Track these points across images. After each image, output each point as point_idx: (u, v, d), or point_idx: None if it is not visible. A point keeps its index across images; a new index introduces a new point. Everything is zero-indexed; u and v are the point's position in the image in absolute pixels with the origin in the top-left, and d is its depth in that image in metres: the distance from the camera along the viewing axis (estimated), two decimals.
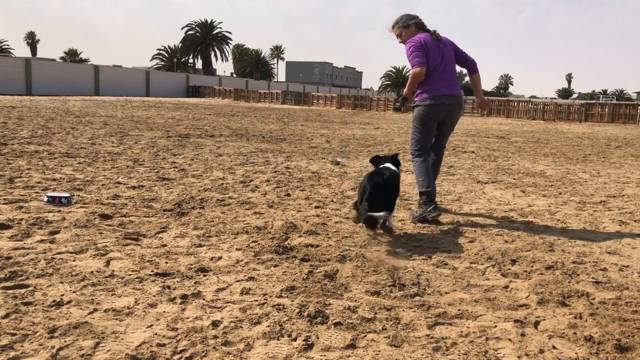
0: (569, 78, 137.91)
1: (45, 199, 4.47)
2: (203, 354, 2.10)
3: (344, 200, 5.24)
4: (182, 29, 76.24)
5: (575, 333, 2.41)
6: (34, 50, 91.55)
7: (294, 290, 2.78)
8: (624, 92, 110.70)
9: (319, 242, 3.69)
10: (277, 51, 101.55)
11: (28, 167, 6.20)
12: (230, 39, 77.20)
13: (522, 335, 2.38)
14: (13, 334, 2.16)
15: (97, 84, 39.26)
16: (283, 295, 2.72)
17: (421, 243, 3.83)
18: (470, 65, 4.78)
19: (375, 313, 2.55)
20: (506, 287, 3.00)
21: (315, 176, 6.67)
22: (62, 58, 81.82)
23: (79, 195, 4.85)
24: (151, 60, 75.20)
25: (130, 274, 2.92)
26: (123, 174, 6.11)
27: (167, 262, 3.15)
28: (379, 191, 3.75)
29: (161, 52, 75.28)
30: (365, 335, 2.31)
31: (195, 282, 2.86)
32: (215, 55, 74.58)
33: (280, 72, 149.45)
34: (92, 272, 2.91)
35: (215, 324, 2.35)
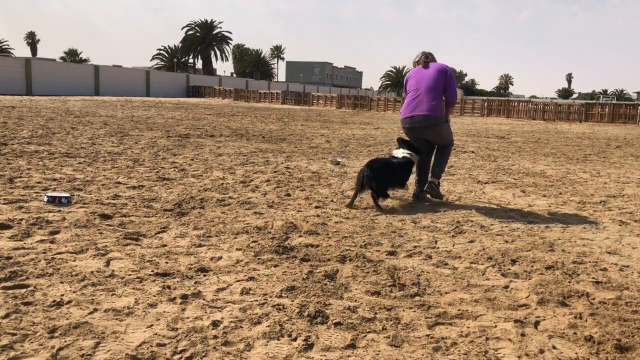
0: (569, 78, 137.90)
1: (45, 199, 4.47)
2: (203, 354, 2.10)
3: (344, 200, 5.24)
4: (182, 29, 76.30)
5: (575, 333, 2.41)
6: (34, 50, 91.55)
7: (294, 290, 2.78)
8: (624, 92, 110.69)
9: (319, 242, 3.69)
10: (277, 51, 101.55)
11: (28, 167, 6.20)
12: (230, 39, 77.10)
13: (522, 335, 2.38)
14: (13, 334, 2.16)
15: (97, 84, 39.26)
16: (283, 295, 2.72)
17: (421, 243, 3.83)
18: (447, 101, 5.29)
19: (375, 313, 2.55)
20: (506, 287, 3.00)
21: (315, 176, 6.67)
22: (62, 58, 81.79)
23: (79, 195, 4.85)
24: (151, 60, 75.19)
25: (130, 274, 2.92)
26: (123, 174, 6.11)
27: (167, 262, 3.15)
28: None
29: (161, 52, 75.27)
30: (365, 335, 2.31)
31: (195, 282, 2.86)
32: (215, 55, 74.58)
33: (280, 72, 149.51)
34: (92, 272, 2.91)
35: (215, 324, 2.35)
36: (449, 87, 5.19)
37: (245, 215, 4.43)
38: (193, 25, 72.59)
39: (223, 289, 2.78)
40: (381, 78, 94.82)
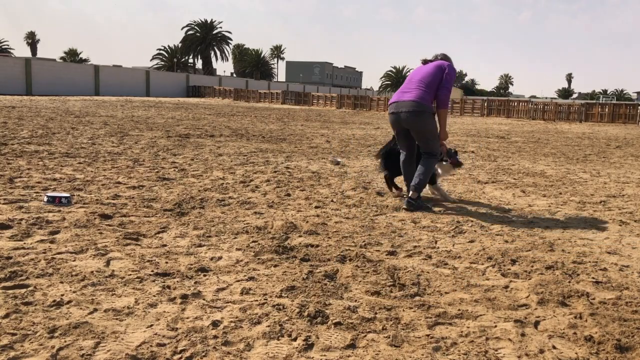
0: (569, 78, 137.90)
1: (45, 199, 4.48)
2: (203, 354, 2.10)
3: (344, 200, 5.24)
4: (182, 29, 76.38)
5: (575, 333, 2.41)
6: (34, 50, 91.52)
7: (294, 290, 2.78)
8: (624, 92, 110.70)
9: (319, 242, 3.69)
10: (277, 51, 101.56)
11: (28, 167, 6.20)
12: (230, 39, 77.22)
13: (522, 335, 2.38)
14: (13, 334, 2.16)
15: (97, 84, 39.26)
16: (283, 295, 2.72)
17: (421, 243, 3.84)
18: (437, 99, 4.95)
19: (375, 313, 2.55)
20: (506, 287, 3.00)
21: (315, 176, 6.67)
22: (62, 58, 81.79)
23: (79, 195, 4.85)
24: (151, 60, 75.21)
25: (130, 274, 2.92)
26: (123, 174, 6.11)
27: (167, 262, 3.15)
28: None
29: (161, 52, 75.27)
30: (365, 335, 2.31)
31: (195, 282, 2.86)
32: (215, 55, 74.60)
33: (280, 72, 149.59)
34: (92, 272, 2.91)
35: (215, 324, 2.35)
36: (444, 83, 4.87)
37: (245, 215, 4.43)
38: (193, 25, 72.61)
39: (223, 289, 2.78)
40: (381, 78, 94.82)
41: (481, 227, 4.38)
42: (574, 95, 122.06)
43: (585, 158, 10.31)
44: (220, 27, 73.83)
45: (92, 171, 6.19)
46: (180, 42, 72.92)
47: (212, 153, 8.45)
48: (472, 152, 10.72)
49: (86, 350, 2.07)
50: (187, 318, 2.40)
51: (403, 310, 2.59)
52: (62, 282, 2.75)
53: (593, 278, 3.20)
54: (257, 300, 2.63)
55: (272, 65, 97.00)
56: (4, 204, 4.37)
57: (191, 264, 3.12)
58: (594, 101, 39.63)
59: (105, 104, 23.57)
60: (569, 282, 3.11)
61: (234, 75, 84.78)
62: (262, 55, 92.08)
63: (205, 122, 15.65)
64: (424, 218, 4.63)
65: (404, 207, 4.89)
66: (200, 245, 3.53)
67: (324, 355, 2.13)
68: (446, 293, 2.87)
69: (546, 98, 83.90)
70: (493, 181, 6.90)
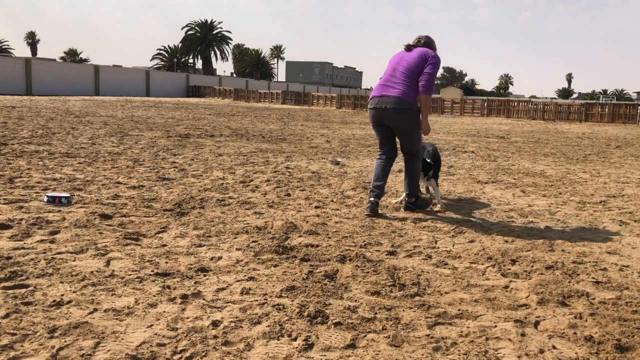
0: (569, 78, 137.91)
1: (45, 199, 4.47)
2: (203, 354, 2.10)
3: (344, 200, 5.24)
4: (182, 29, 76.28)
5: (575, 333, 2.41)
6: (34, 50, 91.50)
7: (294, 290, 2.78)
8: (624, 92, 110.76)
9: (319, 242, 3.69)
10: (277, 51, 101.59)
11: (28, 167, 6.20)
12: (230, 39, 77.18)
13: (522, 335, 2.38)
14: (13, 334, 2.16)
15: (97, 84, 39.26)
16: (283, 295, 2.72)
17: (421, 243, 3.84)
18: (419, 84, 4.53)
19: (375, 313, 2.55)
20: (506, 287, 3.00)
21: (315, 176, 6.67)
22: (62, 58, 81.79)
23: (79, 195, 4.85)
24: (151, 60, 75.23)
25: (130, 274, 2.92)
26: (123, 174, 6.11)
27: (167, 262, 3.15)
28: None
29: (161, 52, 75.29)
30: (365, 335, 2.31)
31: (195, 282, 2.86)
32: (215, 55, 74.63)
33: (280, 72, 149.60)
34: (92, 272, 2.91)
35: (215, 324, 2.35)
36: (426, 69, 4.48)
37: (245, 215, 4.43)
38: (193, 25, 72.64)
39: (223, 289, 2.78)
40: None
41: (481, 227, 4.38)
42: (574, 95, 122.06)
43: (585, 158, 10.31)
44: (220, 27, 73.91)
45: (92, 171, 6.19)
46: (180, 42, 72.99)
47: (212, 153, 8.46)
48: (472, 152, 10.72)
49: (86, 350, 2.07)
50: (187, 318, 2.40)
51: (403, 310, 2.59)
52: (62, 282, 2.75)
53: (593, 278, 3.20)
54: (257, 300, 2.63)
55: (272, 65, 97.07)
56: (4, 204, 4.37)
57: (191, 264, 3.12)
58: (594, 101, 39.64)
59: (105, 104, 23.57)
60: (569, 282, 3.11)
61: (234, 75, 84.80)
62: (262, 55, 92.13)
63: (205, 122, 15.65)
64: (424, 218, 4.63)
65: (409, 208, 4.86)
66: (200, 245, 3.53)
67: (324, 355, 2.13)
68: (446, 293, 2.87)
69: (546, 98, 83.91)
70: (493, 181, 6.90)
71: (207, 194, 5.17)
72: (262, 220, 4.23)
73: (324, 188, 5.88)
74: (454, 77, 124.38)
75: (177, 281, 2.86)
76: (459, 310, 2.62)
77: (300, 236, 3.84)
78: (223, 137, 11.18)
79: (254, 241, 3.65)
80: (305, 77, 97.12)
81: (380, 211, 4.77)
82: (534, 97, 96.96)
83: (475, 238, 4.03)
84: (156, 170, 6.44)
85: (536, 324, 2.52)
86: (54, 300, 2.51)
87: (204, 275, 2.97)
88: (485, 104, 32.75)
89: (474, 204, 5.35)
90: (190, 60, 75.94)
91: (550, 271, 3.29)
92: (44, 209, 4.27)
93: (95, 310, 2.44)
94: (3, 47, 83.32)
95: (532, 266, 3.38)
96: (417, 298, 2.77)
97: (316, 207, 4.84)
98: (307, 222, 4.23)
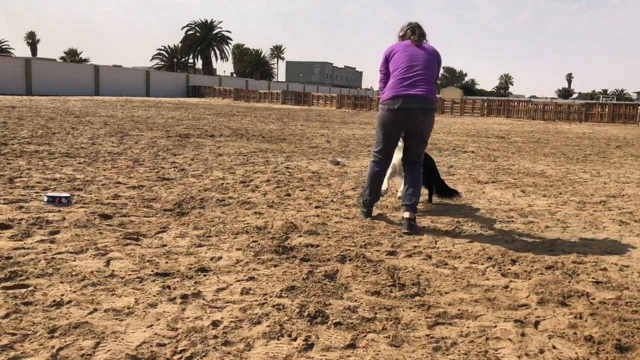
0: (569, 78, 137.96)
1: (45, 199, 4.47)
2: (203, 354, 2.10)
3: (344, 200, 5.24)
4: (182, 29, 76.22)
5: (575, 333, 2.41)
6: (34, 50, 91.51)
7: (294, 290, 2.78)
8: (624, 92, 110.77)
9: (319, 242, 3.69)
10: (277, 51, 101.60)
11: (28, 167, 6.20)
12: (230, 39, 77.20)
13: (522, 335, 2.38)
14: (13, 334, 2.16)
15: (97, 84, 39.25)
16: (283, 295, 2.72)
17: (421, 243, 3.83)
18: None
19: (375, 313, 2.55)
20: (506, 287, 3.00)
21: (315, 176, 6.67)
22: (62, 58, 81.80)
23: (79, 195, 4.85)
24: (151, 60, 75.26)
25: (130, 274, 2.92)
26: (123, 174, 6.11)
27: (167, 262, 3.15)
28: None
29: (161, 52, 75.29)
30: (365, 335, 2.31)
31: (195, 282, 2.86)
32: (215, 55, 74.63)
33: (280, 72, 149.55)
34: (92, 272, 2.91)
35: (215, 324, 2.35)
36: (436, 71, 4.36)
37: (245, 215, 4.43)
38: (193, 25, 72.64)
39: (223, 289, 2.78)
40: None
41: (481, 227, 4.38)
42: (574, 95, 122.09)
43: (585, 158, 10.31)
44: (220, 27, 73.96)
45: (92, 171, 6.19)
46: (180, 42, 73.00)
47: (212, 153, 8.45)
48: (472, 152, 10.72)
49: (86, 350, 2.07)
50: (187, 318, 2.40)
51: (403, 310, 2.59)
52: (62, 282, 2.75)
53: (593, 278, 3.20)
54: (257, 300, 2.63)
55: (272, 65, 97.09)
56: (4, 204, 4.37)
57: (191, 264, 3.12)
58: (594, 101, 39.64)
59: (105, 104, 23.57)
60: (569, 282, 3.11)
61: (234, 75, 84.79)
62: (262, 55, 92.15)
63: (205, 122, 15.65)
64: (424, 218, 4.63)
65: (405, 231, 4.10)
66: (200, 245, 3.53)
67: (324, 355, 2.13)
68: (446, 293, 2.87)
69: (546, 98, 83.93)
70: (493, 181, 6.90)
71: (207, 194, 5.17)
72: (262, 220, 4.23)
73: (324, 188, 5.88)
74: (454, 77, 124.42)
75: (177, 281, 2.86)
76: (459, 310, 2.62)
77: (300, 236, 3.84)
78: (223, 137, 11.18)
79: (254, 241, 3.65)
80: (305, 77, 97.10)
81: (380, 211, 4.77)
82: (534, 97, 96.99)
83: (475, 238, 4.03)
84: (156, 170, 6.44)
85: (536, 324, 2.52)
86: (54, 300, 2.50)
87: (204, 275, 2.97)
88: (485, 104, 32.75)
89: (474, 204, 5.35)
90: (190, 60, 75.97)
91: (550, 271, 3.29)
92: (44, 209, 4.27)
93: (95, 310, 2.44)
94: (3, 47, 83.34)
95: (532, 266, 3.38)
96: (417, 298, 2.77)
97: (316, 207, 4.84)
98: (307, 222, 4.23)
